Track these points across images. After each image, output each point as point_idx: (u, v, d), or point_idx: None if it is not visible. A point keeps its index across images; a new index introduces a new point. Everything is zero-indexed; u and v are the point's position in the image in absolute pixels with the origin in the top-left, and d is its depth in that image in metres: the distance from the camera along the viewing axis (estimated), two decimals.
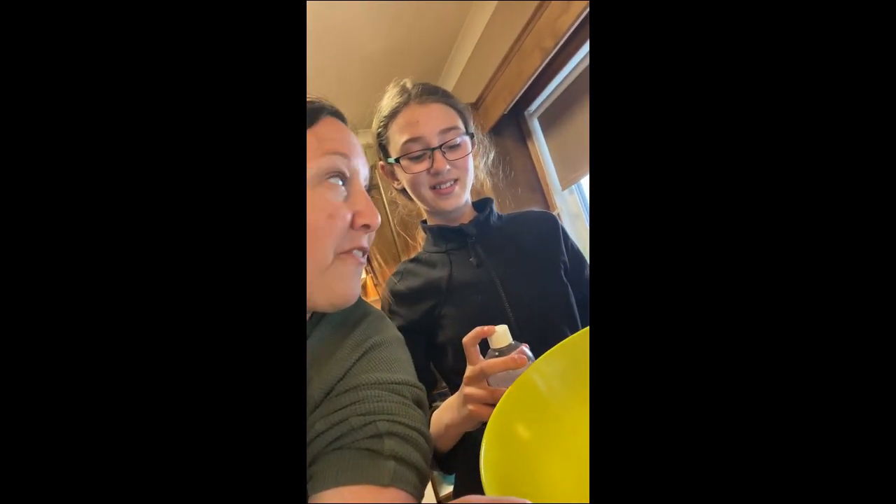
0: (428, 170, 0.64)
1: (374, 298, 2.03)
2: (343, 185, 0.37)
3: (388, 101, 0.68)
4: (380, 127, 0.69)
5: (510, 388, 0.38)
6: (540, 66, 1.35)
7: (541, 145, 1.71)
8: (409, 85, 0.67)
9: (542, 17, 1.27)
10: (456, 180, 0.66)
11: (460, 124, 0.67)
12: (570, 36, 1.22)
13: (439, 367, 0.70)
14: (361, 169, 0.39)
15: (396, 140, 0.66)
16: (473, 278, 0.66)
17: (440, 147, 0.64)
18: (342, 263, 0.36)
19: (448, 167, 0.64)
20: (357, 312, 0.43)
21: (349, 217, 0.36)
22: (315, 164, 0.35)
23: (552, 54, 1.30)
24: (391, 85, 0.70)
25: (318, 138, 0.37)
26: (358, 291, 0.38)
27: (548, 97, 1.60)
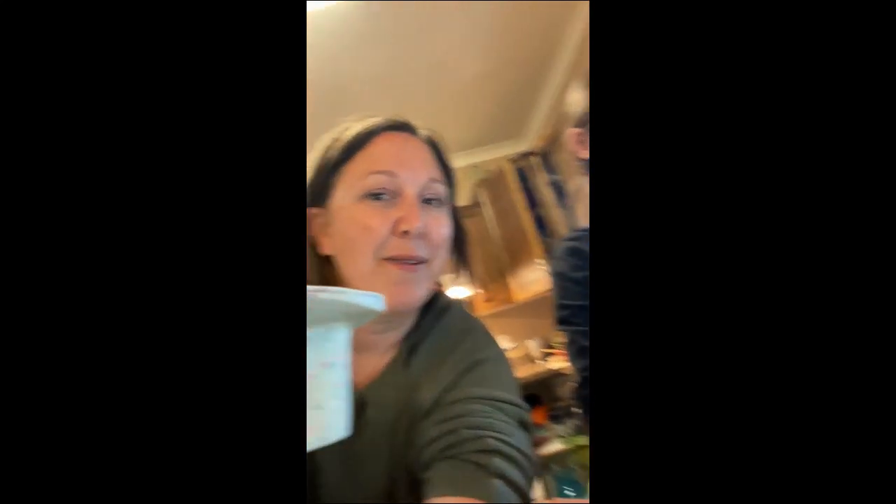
0: None
1: (482, 314, 2.08)
2: (389, 197, 0.39)
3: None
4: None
5: None
6: None
7: None
8: None
9: None
10: None
11: None
12: None
13: None
14: (414, 179, 0.39)
15: None
16: None
17: None
18: (385, 272, 0.38)
19: None
20: (463, 325, 0.45)
21: (390, 225, 0.38)
22: (360, 183, 0.38)
23: None
24: None
25: (367, 158, 0.39)
26: (410, 298, 0.39)
27: None
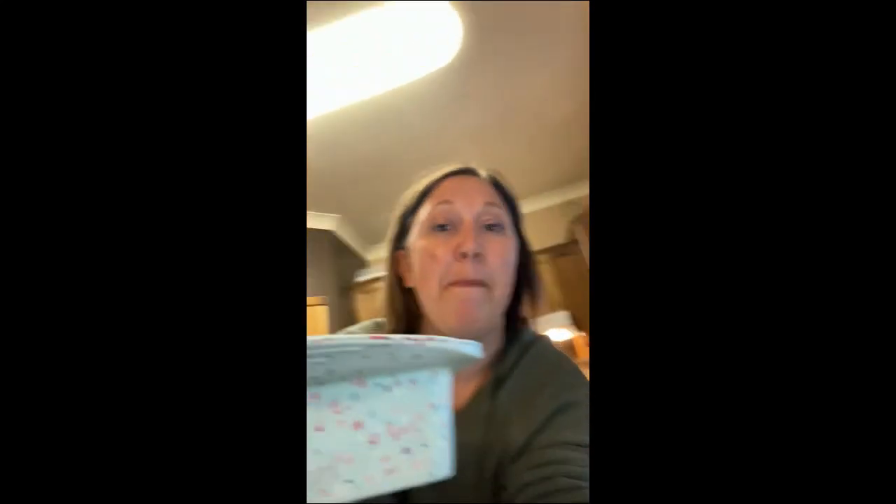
0: None
1: (583, 359, 1.95)
2: (452, 227, 0.42)
3: None
4: None
5: None
6: None
7: None
8: None
9: None
10: None
11: None
12: None
13: None
14: (470, 206, 0.43)
15: None
16: None
17: None
18: (449, 294, 0.40)
19: None
20: (551, 360, 0.45)
21: (452, 251, 0.40)
22: (427, 218, 0.43)
23: None
24: None
25: (431, 199, 0.44)
26: (471, 318, 0.40)
27: None
